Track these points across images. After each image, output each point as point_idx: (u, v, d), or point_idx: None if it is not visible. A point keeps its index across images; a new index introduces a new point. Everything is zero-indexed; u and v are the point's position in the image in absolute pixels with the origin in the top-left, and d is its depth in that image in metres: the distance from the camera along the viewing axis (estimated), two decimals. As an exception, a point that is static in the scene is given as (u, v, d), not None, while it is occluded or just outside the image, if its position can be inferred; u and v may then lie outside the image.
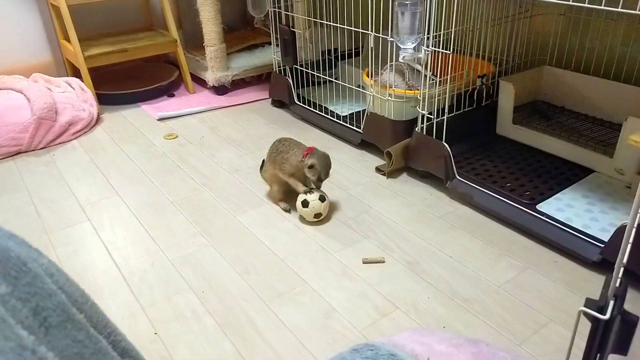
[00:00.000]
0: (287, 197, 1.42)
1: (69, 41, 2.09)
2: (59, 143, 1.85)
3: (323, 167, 1.31)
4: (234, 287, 1.12)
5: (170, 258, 1.22)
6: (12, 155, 1.77)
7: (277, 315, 1.04)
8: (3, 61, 2.22)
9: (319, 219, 1.34)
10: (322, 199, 1.32)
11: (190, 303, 1.08)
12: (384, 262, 1.19)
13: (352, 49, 2.15)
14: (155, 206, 1.44)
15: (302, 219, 1.35)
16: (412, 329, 0.94)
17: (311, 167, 1.29)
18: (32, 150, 1.80)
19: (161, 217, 1.39)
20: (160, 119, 2.03)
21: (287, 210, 1.40)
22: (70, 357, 0.36)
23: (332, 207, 1.41)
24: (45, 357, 0.32)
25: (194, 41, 2.54)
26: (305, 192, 1.32)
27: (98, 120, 2.02)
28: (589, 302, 0.60)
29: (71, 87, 2.03)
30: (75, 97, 1.97)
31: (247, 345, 0.97)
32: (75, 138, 1.89)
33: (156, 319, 1.04)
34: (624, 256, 0.60)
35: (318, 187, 1.34)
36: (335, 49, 2.13)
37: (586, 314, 0.59)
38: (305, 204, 1.31)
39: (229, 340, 0.98)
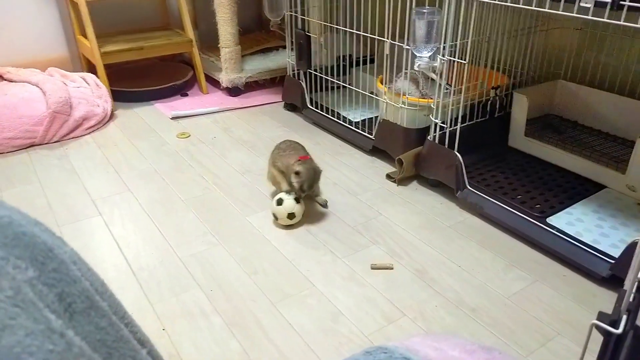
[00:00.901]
0: None
1: (85, 37, 2.11)
2: (73, 137, 1.87)
3: (307, 178, 1.30)
4: (241, 287, 1.13)
5: (180, 255, 1.23)
6: (26, 148, 1.79)
7: (284, 317, 1.04)
8: (20, 54, 2.25)
9: (292, 221, 1.32)
10: (297, 200, 1.31)
11: (198, 301, 1.08)
12: (392, 268, 1.19)
13: (365, 56, 2.16)
14: (166, 203, 1.45)
15: (275, 221, 1.35)
16: (424, 333, 0.94)
17: (297, 173, 1.30)
18: (46, 143, 1.82)
19: (172, 214, 1.40)
20: (174, 118, 2.05)
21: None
22: (93, 344, 0.37)
23: (342, 212, 1.41)
24: (73, 341, 0.33)
25: (209, 42, 2.56)
26: (286, 192, 1.33)
27: (112, 116, 2.04)
28: (601, 316, 0.60)
29: (86, 82, 2.05)
30: (90, 92, 1.99)
31: (253, 345, 0.97)
32: (89, 133, 1.91)
33: (164, 315, 1.05)
34: (639, 270, 0.60)
35: (298, 196, 1.32)
36: (349, 55, 2.14)
37: (598, 328, 0.59)
38: (279, 202, 1.31)
39: (236, 340, 0.99)
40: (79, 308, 0.37)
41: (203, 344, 0.98)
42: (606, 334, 0.59)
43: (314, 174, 1.32)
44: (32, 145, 1.80)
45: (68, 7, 2.24)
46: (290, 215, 1.31)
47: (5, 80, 1.99)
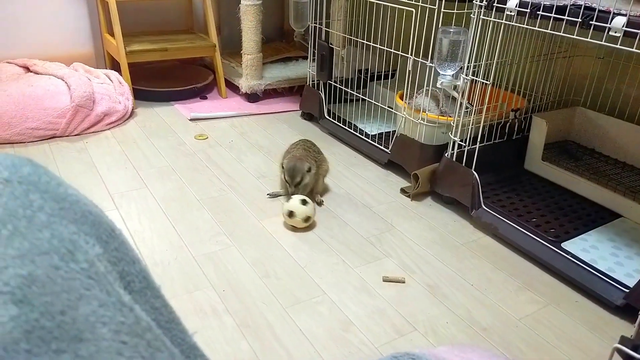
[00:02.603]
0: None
1: (112, 35, 2.15)
2: (93, 132, 1.90)
3: (287, 169, 1.41)
4: (254, 289, 1.13)
5: (194, 254, 1.24)
6: (47, 139, 1.81)
7: (294, 322, 1.05)
8: (47, 48, 2.29)
9: (309, 223, 1.36)
10: (304, 202, 1.35)
11: (210, 300, 1.09)
12: (404, 282, 1.19)
13: (383, 71, 2.18)
14: (182, 202, 1.46)
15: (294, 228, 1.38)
16: (451, 343, 0.94)
17: (282, 166, 1.43)
18: (67, 136, 1.85)
19: (187, 213, 1.41)
20: (192, 120, 2.07)
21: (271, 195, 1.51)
22: None
23: (355, 223, 1.42)
24: (140, 316, 0.34)
25: (231, 47, 2.60)
26: (288, 199, 1.38)
27: (132, 114, 2.07)
28: (624, 340, 0.60)
29: (109, 79, 2.08)
30: (113, 89, 2.02)
31: (263, 348, 0.98)
32: (109, 129, 1.93)
33: (176, 312, 1.05)
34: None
35: (293, 191, 1.42)
36: (367, 69, 2.16)
37: (620, 352, 0.59)
38: (291, 214, 1.34)
39: (246, 341, 0.99)
40: (136, 287, 0.38)
41: (214, 342, 0.98)
42: (627, 358, 0.59)
43: (293, 165, 1.40)
44: (53, 137, 1.83)
45: (97, 5, 2.29)
46: (307, 219, 1.35)
47: (32, 72, 2.03)
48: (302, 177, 1.42)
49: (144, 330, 0.33)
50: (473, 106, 1.45)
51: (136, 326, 0.33)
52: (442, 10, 1.43)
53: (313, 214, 1.36)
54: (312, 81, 2.09)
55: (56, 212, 0.34)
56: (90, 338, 0.29)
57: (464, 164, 1.45)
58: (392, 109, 1.79)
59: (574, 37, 1.12)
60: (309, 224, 1.36)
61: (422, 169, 1.55)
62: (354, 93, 1.95)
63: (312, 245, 1.31)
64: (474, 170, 1.42)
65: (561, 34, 1.14)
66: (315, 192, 1.52)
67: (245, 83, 2.26)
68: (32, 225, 0.32)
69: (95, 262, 0.34)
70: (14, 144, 1.76)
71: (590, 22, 1.06)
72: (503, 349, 1.01)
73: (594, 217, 1.41)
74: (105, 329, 0.30)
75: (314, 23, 1.99)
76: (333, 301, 1.11)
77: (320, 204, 1.49)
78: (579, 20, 1.09)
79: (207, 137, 1.92)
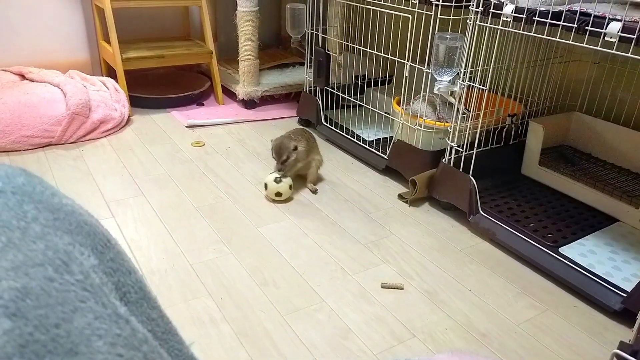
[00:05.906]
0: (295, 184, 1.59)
1: (108, 42, 2.15)
2: (89, 139, 1.89)
3: (274, 147, 1.52)
4: (251, 297, 1.13)
5: (191, 262, 1.23)
6: (43, 147, 1.81)
7: (293, 330, 1.04)
8: (42, 55, 2.29)
9: (280, 198, 1.51)
10: (277, 180, 1.50)
11: (208, 308, 1.08)
12: (402, 288, 1.18)
13: (380, 77, 2.19)
14: (179, 210, 1.46)
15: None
16: (450, 351, 0.93)
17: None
18: (62, 143, 1.84)
19: (184, 221, 1.40)
20: (189, 127, 2.07)
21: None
22: None
23: (353, 229, 1.41)
24: (137, 328, 0.33)
25: (227, 54, 2.61)
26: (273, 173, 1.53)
27: (128, 121, 2.07)
28: (623, 345, 0.59)
29: (106, 86, 2.08)
30: (109, 96, 2.02)
31: (262, 356, 0.97)
32: (105, 136, 1.93)
33: (173, 321, 1.04)
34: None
35: (280, 168, 1.51)
36: (364, 75, 2.17)
37: (619, 357, 0.59)
38: (265, 186, 1.53)
39: (244, 350, 0.98)
40: (132, 298, 0.37)
41: (212, 351, 0.97)
42: (627, 364, 0.59)
43: (277, 143, 1.51)
44: (49, 145, 1.82)
45: (93, 12, 2.29)
46: (277, 194, 1.50)
47: (27, 79, 2.02)
48: (289, 155, 1.50)
49: (141, 343, 0.33)
50: (470, 112, 1.45)
51: (132, 338, 0.32)
52: (439, 16, 1.43)
53: (285, 190, 1.50)
54: (309, 87, 2.09)
55: (50, 222, 0.33)
56: (86, 351, 0.28)
57: (461, 170, 1.45)
58: (389, 115, 1.79)
59: (570, 42, 1.12)
60: (282, 199, 1.52)
61: (420, 174, 1.54)
62: (351, 99, 1.95)
63: (309, 252, 1.30)
64: (472, 175, 1.42)
65: (557, 39, 1.15)
66: (308, 182, 1.62)
67: (242, 89, 2.26)
68: (26, 236, 0.31)
69: (91, 274, 0.33)
70: (9, 152, 1.75)
71: (586, 27, 1.07)
72: (502, 355, 1.00)
73: (591, 221, 1.41)
74: (101, 341, 0.30)
75: (311, 29, 1.99)
76: (331, 308, 1.11)
77: (315, 192, 1.59)
78: (575, 25, 1.09)
79: (204, 144, 1.92)
